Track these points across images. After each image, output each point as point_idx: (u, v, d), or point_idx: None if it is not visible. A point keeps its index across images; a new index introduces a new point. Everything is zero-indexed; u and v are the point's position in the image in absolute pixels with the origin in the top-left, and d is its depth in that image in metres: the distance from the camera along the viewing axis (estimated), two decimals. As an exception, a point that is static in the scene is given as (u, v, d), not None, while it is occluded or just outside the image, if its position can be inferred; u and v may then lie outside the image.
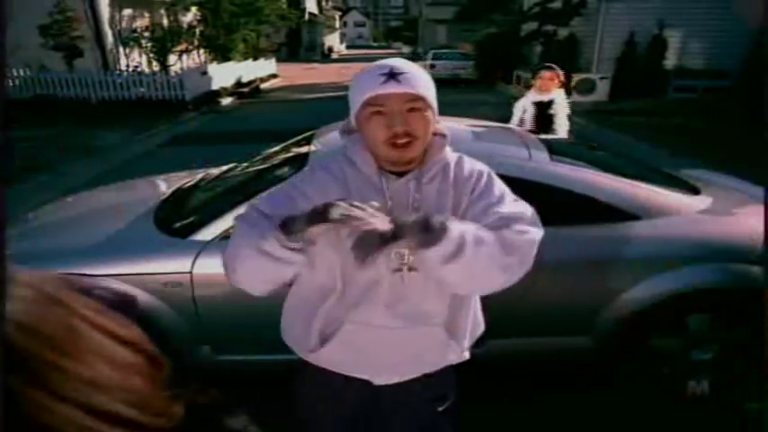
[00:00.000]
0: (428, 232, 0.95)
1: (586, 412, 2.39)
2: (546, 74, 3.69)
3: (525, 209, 1.13)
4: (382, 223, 0.93)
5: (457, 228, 0.98)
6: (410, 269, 1.14)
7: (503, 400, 2.45)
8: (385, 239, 0.92)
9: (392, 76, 1.05)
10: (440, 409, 1.34)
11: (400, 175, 1.14)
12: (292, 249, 0.99)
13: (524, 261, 1.06)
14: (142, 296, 2.17)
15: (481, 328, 1.35)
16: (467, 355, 1.32)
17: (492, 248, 1.01)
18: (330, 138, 2.75)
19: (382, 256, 1.09)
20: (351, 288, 1.17)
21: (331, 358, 1.25)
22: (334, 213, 0.92)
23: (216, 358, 2.35)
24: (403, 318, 1.18)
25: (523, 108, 3.77)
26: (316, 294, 1.21)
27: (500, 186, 1.17)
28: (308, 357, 1.27)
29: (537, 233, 1.09)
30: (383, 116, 1.06)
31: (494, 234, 1.03)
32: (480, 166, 1.20)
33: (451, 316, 1.23)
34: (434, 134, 1.16)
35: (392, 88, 1.04)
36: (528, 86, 3.86)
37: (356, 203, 0.94)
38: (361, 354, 1.22)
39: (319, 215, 0.93)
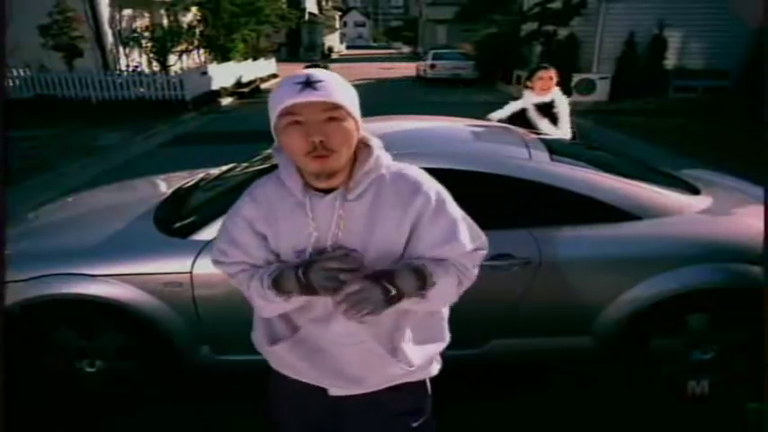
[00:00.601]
0: (420, 281, 1.10)
1: (586, 412, 2.39)
2: (545, 73, 3.67)
3: (472, 235, 1.18)
4: (361, 282, 1.05)
5: (436, 272, 1.13)
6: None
7: (502, 398, 2.45)
8: (389, 301, 1.07)
9: (308, 84, 1.01)
10: (414, 424, 1.28)
11: (327, 192, 1.11)
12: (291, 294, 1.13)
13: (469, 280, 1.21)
14: (142, 296, 2.18)
15: (445, 342, 1.31)
16: (432, 372, 1.30)
17: (452, 282, 1.16)
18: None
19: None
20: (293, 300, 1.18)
21: (283, 359, 1.27)
22: (319, 282, 1.07)
23: (216, 358, 2.35)
24: (340, 334, 1.18)
25: (522, 109, 3.73)
26: None
27: (451, 209, 1.15)
28: (265, 355, 1.31)
29: (481, 256, 1.22)
30: (300, 126, 1.02)
31: (451, 269, 1.15)
32: (429, 185, 1.14)
33: (393, 335, 1.20)
34: (362, 144, 1.12)
35: (309, 96, 1.00)
36: (527, 87, 3.80)
37: (331, 257, 1.08)
38: (310, 360, 1.22)
39: (307, 287, 1.09)
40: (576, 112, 3.99)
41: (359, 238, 1.11)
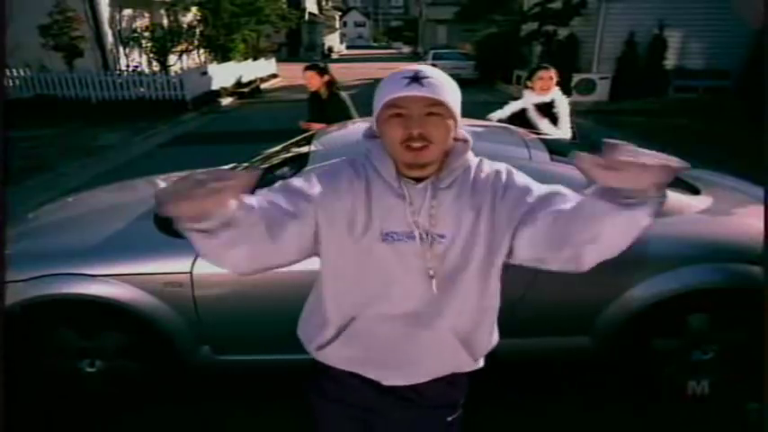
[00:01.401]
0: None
1: (586, 412, 2.39)
2: (545, 73, 3.68)
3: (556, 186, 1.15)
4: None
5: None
6: (431, 276, 1.14)
7: (502, 398, 2.45)
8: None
9: (416, 79, 1.06)
10: (449, 418, 1.32)
11: (419, 180, 1.14)
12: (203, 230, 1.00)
13: None
14: (143, 296, 2.18)
15: (496, 340, 1.34)
16: (480, 364, 1.31)
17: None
18: (330, 138, 2.75)
19: (403, 259, 1.12)
20: (365, 285, 1.17)
21: (339, 354, 1.24)
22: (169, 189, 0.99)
23: (216, 358, 2.35)
24: (414, 321, 1.17)
25: (522, 109, 3.73)
26: (330, 289, 1.22)
27: (523, 176, 1.18)
28: (316, 354, 1.27)
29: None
30: (401, 118, 1.06)
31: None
32: (498, 165, 1.20)
33: (469, 327, 1.22)
34: (456, 140, 1.15)
35: (414, 91, 1.05)
36: (527, 87, 3.81)
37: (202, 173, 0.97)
38: (370, 351, 1.21)
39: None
40: (576, 112, 3.99)
41: (449, 227, 1.13)
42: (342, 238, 1.13)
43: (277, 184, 1.17)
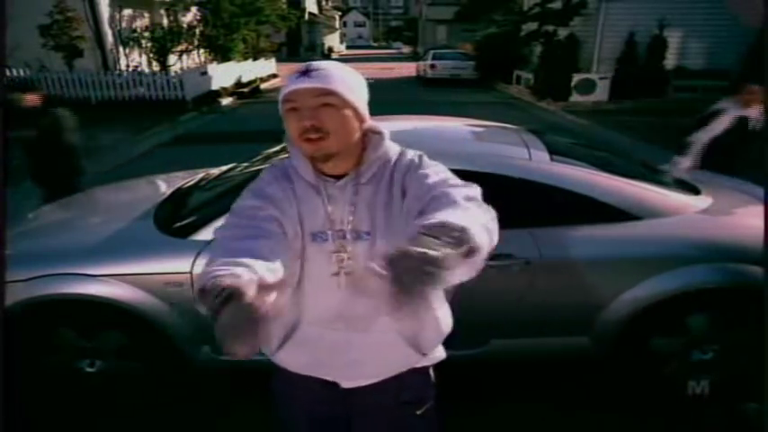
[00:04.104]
0: (452, 238, 0.80)
1: (585, 412, 2.39)
2: (755, 87, 3.27)
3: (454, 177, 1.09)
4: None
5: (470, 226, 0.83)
6: (346, 273, 1.15)
7: (502, 397, 2.45)
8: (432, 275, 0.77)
9: (305, 73, 1.07)
10: (418, 412, 1.32)
11: (339, 178, 1.15)
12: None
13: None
14: (142, 296, 2.18)
15: (448, 328, 1.32)
16: (440, 356, 1.32)
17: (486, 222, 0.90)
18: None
19: (324, 259, 1.14)
20: (301, 291, 1.19)
21: (291, 360, 1.27)
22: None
23: (216, 358, 2.35)
24: (349, 322, 1.19)
25: (741, 119, 3.31)
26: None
27: (433, 164, 1.16)
28: (273, 358, 1.29)
29: (476, 189, 1.04)
30: (296, 111, 1.08)
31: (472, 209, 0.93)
32: (412, 152, 1.19)
33: (415, 326, 1.22)
34: (372, 133, 1.16)
35: (302, 83, 1.06)
36: (748, 102, 3.33)
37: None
38: (319, 355, 1.23)
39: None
40: (576, 112, 3.98)
41: (369, 223, 1.14)
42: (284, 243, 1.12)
43: (231, 218, 1.09)
